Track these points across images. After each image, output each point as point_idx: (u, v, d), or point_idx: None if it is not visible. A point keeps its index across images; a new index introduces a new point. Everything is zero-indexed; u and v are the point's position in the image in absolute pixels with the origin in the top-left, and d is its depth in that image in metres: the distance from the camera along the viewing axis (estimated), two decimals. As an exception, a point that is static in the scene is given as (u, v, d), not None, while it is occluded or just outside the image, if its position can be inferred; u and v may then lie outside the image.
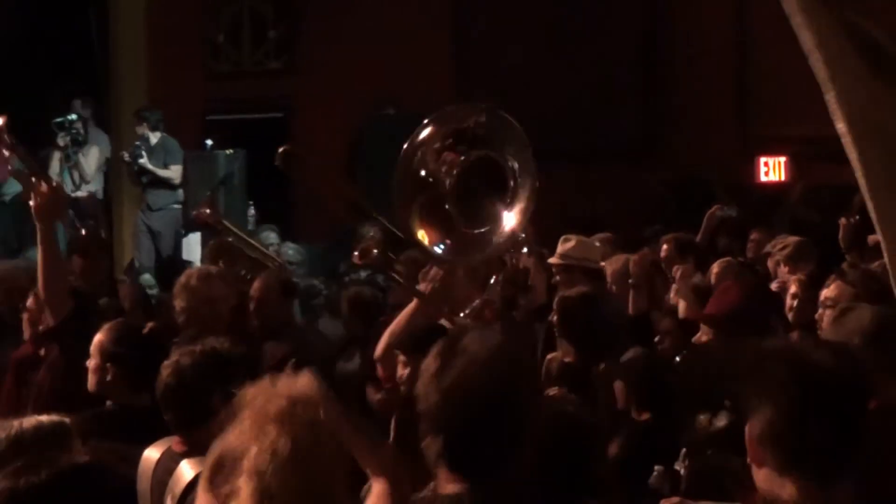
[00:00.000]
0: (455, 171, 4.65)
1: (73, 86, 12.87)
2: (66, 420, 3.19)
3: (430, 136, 4.70)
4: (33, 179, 4.87)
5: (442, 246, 4.75)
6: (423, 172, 4.69)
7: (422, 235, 4.73)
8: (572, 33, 12.43)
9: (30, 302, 5.44)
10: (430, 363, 2.57)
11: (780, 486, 2.43)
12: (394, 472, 2.89)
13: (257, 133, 12.50)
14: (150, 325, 4.67)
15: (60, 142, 11.98)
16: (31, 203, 4.82)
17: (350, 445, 2.79)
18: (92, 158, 12.27)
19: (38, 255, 4.93)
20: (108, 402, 4.50)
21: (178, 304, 5.64)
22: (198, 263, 9.36)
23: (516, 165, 4.71)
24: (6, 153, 5.10)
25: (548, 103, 11.18)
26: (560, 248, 6.85)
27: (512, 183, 4.69)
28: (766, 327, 4.91)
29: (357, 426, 2.96)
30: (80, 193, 12.18)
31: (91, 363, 4.53)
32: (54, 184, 5.02)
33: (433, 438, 2.52)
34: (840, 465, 2.45)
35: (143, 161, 11.82)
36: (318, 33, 13.44)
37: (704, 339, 4.63)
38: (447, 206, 4.69)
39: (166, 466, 3.66)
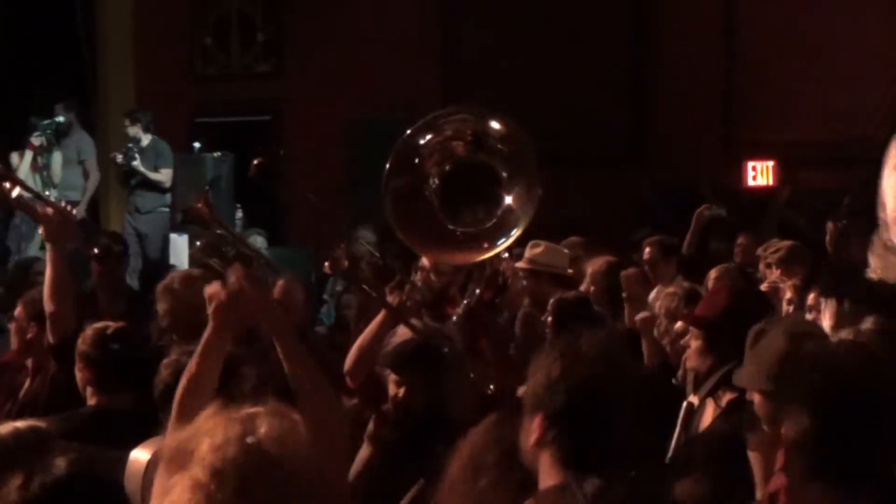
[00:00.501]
0: (447, 164, 4.64)
1: (59, 88, 12.81)
2: (44, 425, 3.18)
3: (437, 128, 4.68)
4: (38, 207, 5.05)
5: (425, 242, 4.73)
6: (416, 160, 4.68)
7: (397, 221, 4.70)
8: (561, 37, 12.44)
9: (18, 310, 5.44)
10: (550, 366, 2.70)
11: (806, 495, 2.46)
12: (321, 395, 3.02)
13: (245, 136, 12.48)
14: (114, 325, 4.67)
15: (35, 142, 11.91)
16: (40, 231, 4.99)
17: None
18: (56, 163, 12.20)
19: (47, 273, 5.04)
20: (88, 404, 4.51)
21: (161, 306, 5.66)
22: (185, 266, 9.33)
23: (507, 173, 4.69)
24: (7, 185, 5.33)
25: (536, 106, 11.16)
26: (528, 253, 6.81)
27: (500, 195, 4.67)
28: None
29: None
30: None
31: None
32: (60, 206, 5.15)
33: (559, 441, 2.65)
34: (869, 473, 2.48)
35: (137, 163, 11.78)
36: (307, 36, 13.42)
37: (693, 342, 4.60)
38: (427, 195, 4.68)
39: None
